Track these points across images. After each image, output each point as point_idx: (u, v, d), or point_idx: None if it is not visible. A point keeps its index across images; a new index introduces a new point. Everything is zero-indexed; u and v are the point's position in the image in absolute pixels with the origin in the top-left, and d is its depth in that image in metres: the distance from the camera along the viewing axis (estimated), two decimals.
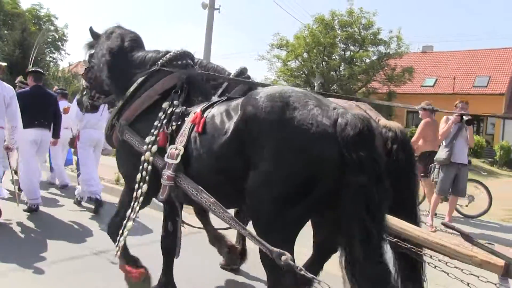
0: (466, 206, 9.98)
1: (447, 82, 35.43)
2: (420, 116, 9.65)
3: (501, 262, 2.43)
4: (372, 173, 2.51)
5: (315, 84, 29.31)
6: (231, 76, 4.38)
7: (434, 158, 8.49)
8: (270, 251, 2.53)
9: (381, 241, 2.53)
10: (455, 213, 9.73)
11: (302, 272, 2.41)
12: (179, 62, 3.84)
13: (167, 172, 3.17)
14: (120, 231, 3.56)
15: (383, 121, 3.40)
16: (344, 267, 2.60)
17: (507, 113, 33.21)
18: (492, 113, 29.90)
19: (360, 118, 2.60)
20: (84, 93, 4.65)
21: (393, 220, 2.79)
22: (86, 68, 4.53)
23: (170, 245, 3.84)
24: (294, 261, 2.48)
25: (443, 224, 2.83)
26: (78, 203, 8.15)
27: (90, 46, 4.49)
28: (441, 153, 8.32)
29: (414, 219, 3.06)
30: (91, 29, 4.44)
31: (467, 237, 2.57)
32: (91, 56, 4.45)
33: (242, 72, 4.50)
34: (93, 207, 7.72)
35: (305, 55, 32.03)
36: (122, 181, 6.59)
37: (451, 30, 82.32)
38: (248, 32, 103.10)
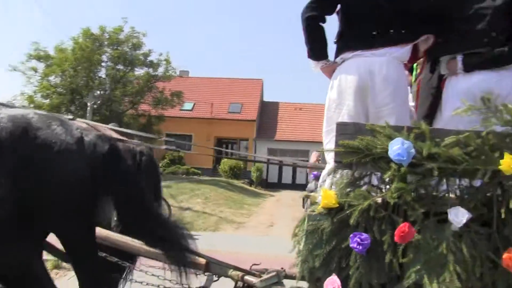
0: None
1: (205, 107, 37.83)
2: None
3: (203, 261, 3.09)
4: (124, 181, 2.94)
5: (88, 104, 27.17)
6: None
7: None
8: None
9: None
10: None
11: None
12: None
13: None
14: None
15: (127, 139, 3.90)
16: None
17: (257, 138, 37.08)
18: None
19: (103, 136, 3.02)
20: None
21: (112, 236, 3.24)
22: None
23: None
24: None
25: None
26: None
27: None
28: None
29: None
30: None
31: None
32: None
33: None
34: None
35: (71, 70, 29.53)
36: None
37: (203, 57, 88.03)
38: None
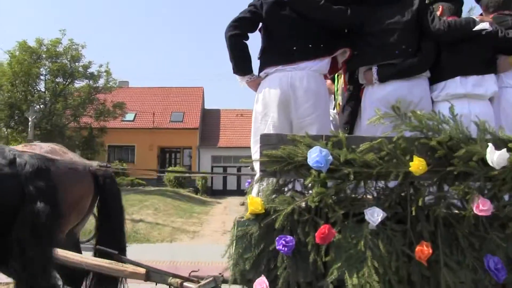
0: None
1: (147, 117, 37.12)
2: None
3: (143, 270, 3.15)
4: (51, 200, 2.97)
5: (30, 118, 25.90)
6: None
7: None
8: None
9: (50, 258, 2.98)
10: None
11: None
12: None
13: None
14: None
15: (88, 161, 3.97)
16: None
17: (200, 146, 36.89)
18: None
19: (37, 158, 3.03)
20: None
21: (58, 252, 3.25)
22: None
23: None
24: None
25: (98, 249, 3.46)
26: None
27: None
28: None
29: (121, 237, 3.80)
30: None
31: (117, 256, 3.24)
32: None
33: None
34: None
35: (8, 84, 28.00)
36: None
37: (143, 67, 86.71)
38: None
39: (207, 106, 42.01)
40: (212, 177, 35.44)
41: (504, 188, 2.46)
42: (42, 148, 3.81)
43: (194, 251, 9.92)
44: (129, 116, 36.40)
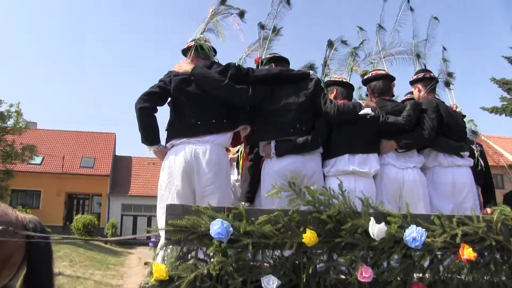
0: None
1: (55, 161, 35.45)
2: None
3: None
4: None
5: None
6: None
7: None
8: None
9: None
10: None
11: None
12: None
13: None
14: None
15: (20, 214, 3.91)
16: None
17: (111, 193, 35.66)
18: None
19: None
20: None
21: None
22: None
23: None
24: None
25: None
26: None
27: None
28: None
29: None
30: None
31: None
32: None
33: None
34: None
35: None
36: None
37: (52, 109, 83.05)
38: None
39: (118, 153, 41.01)
40: (121, 226, 34.26)
41: (383, 256, 2.77)
42: None
43: None
44: (37, 160, 33.97)
